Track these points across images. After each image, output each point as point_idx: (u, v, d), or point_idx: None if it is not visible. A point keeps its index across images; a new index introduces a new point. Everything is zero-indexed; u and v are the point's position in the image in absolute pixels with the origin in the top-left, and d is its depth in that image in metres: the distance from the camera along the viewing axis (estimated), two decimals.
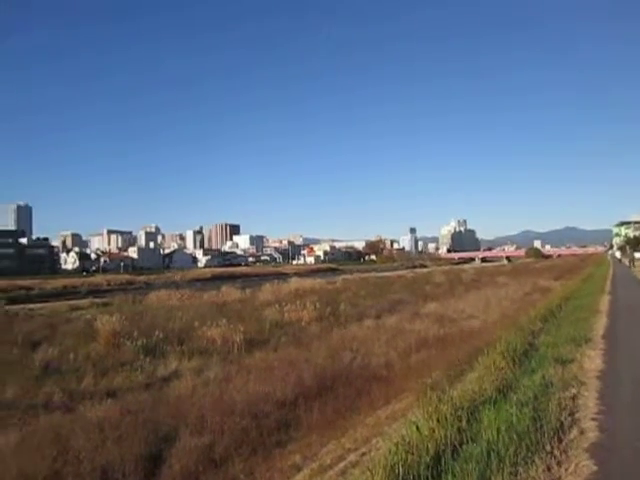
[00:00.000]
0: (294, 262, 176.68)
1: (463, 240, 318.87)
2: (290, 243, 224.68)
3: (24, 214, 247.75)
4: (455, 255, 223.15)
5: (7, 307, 31.13)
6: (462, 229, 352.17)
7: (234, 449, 7.47)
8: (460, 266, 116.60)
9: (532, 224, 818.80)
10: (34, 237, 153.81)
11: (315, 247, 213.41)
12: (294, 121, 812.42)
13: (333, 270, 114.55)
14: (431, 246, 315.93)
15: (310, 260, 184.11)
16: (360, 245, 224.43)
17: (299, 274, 76.52)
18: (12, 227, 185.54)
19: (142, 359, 13.48)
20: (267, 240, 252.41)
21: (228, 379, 11.21)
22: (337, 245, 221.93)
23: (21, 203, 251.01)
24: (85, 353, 14.41)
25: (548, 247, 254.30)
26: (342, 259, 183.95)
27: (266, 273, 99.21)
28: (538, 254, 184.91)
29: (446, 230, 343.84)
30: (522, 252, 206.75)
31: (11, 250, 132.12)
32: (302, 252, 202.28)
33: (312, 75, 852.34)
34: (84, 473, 6.46)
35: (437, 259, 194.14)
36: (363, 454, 6.30)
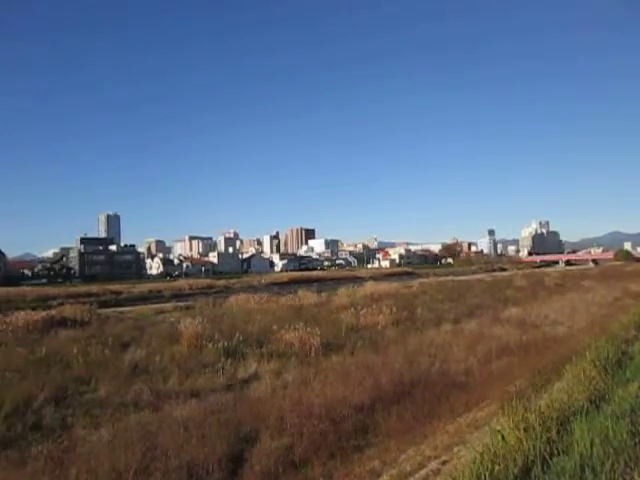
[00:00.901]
0: (369, 266, 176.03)
1: (545, 242, 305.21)
2: (365, 247, 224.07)
3: (114, 223, 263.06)
4: (537, 258, 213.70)
5: (99, 310, 33.00)
6: (544, 231, 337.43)
7: (313, 452, 7.52)
8: (542, 269, 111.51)
9: (621, 225, 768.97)
10: (122, 244, 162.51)
11: (390, 250, 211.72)
12: (370, 124, 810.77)
13: (409, 274, 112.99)
14: (511, 249, 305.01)
15: (385, 264, 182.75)
16: (436, 248, 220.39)
17: (374, 278, 76.15)
18: (103, 235, 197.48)
19: (223, 361, 13.84)
20: (342, 244, 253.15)
21: (306, 382, 11.31)
22: (412, 248, 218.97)
23: (111, 212, 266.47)
24: (170, 354, 15.01)
25: None
26: (418, 262, 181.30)
27: (341, 277, 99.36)
28: (628, 257, 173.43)
29: (527, 232, 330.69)
30: (610, 255, 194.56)
31: (102, 257, 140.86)
32: (377, 256, 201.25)
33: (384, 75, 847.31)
34: (171, 469, 6.71)
35: (517, 262, 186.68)
36: (444, 462, 6.15)
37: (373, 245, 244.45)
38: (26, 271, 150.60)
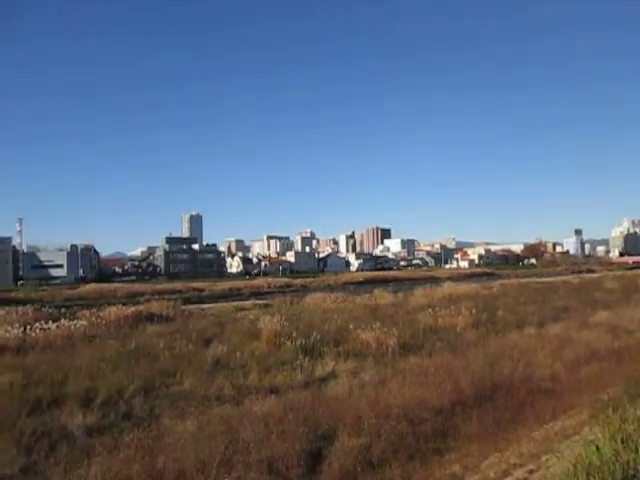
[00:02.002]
0: (447, 266, 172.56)
1: (639, 242, 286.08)
2: (442, 247, 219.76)
3: (196, 222, 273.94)
4: (629, 259, 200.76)
5: (183, 307, 34.40)
6: (637, 230, 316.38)
7: (391, 453, 7.47)
8: (635, 272, 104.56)
9: None
10: (204, 243, 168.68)
11: (469, 251, 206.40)
12: (450, 118, 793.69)
13: (489, 275, 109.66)
14: (600, 249, 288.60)
15: (464, 264, 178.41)
16: (518, 248, 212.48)
17: (452, 278, 74.44)
18: (186, 235, 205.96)
19: (301, 359, 14.03)
20: (418, 244, 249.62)
21: (383, 382, 11.25)
22: (492, 248, 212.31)
23: (193, 213, 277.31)
24: (250, 351, 15.40)
25: None
26: (498, 263, 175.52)
27: (418, 277, 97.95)
28: None
29: (618, 231, 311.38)
30: None
31: (186, 255, 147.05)
32: (455, 256, 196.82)
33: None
34: (252, 463, 6.88)
35: (607, 263, 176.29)
36: (531, 471, 5.91)
37: (451, 245, 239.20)
38: (117, 269, 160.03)
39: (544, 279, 70.47)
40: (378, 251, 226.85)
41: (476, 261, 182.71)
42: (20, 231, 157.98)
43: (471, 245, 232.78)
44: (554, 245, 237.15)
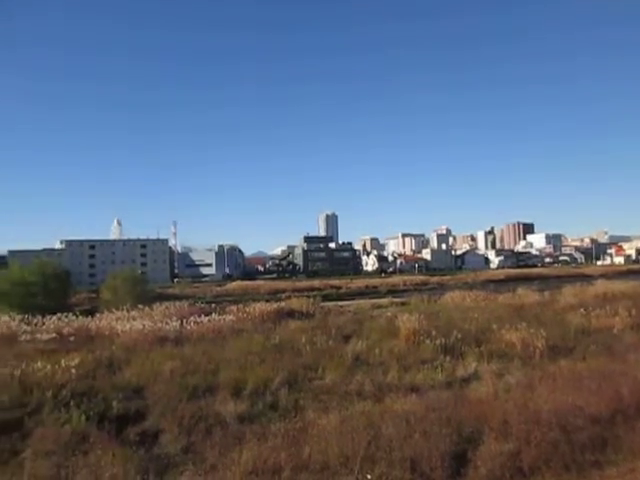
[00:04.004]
0: (598, 262, 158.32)
1: None
2: (593, 241, 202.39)
3: (332, 222, 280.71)
4: None
5: (321, 304, 35.41)
6: None
7: (543, 461, 7.01)
8: None
9: None
10: (340, 242, 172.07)
11: (624, 245, 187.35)
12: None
13: None
14: None
15: (619, 260, 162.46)
16: None
17: (606, 276, 68.11)
18: (323, 233, 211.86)
19: (441, 358, 13.75)
20: (565, 239, 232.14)
21: (531, 386, 10.62)
22: None
23: (329, 212, 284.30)
24: (388, 348, 15.39)
25: None
26: None
27: (565, 275, 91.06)
28: None
29: None
30: None
31: (323, 254, 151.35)
32: (608, 251, 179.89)
33: None
34: (395, 460, 6.86)
35: None
36: None
37: (603, 239, 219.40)
38: (259, 267, 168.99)
39: None
40: (520, 247, 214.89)
41: (633, 257, 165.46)
42: (175, 233, 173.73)
43: (627, 239, 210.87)
44: None
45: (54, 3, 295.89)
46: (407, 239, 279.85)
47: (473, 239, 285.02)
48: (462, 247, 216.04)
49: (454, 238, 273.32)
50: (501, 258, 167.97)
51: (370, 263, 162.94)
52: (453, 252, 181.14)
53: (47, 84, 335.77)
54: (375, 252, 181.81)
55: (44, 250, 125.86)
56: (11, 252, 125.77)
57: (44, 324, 23.80)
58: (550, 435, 7.57)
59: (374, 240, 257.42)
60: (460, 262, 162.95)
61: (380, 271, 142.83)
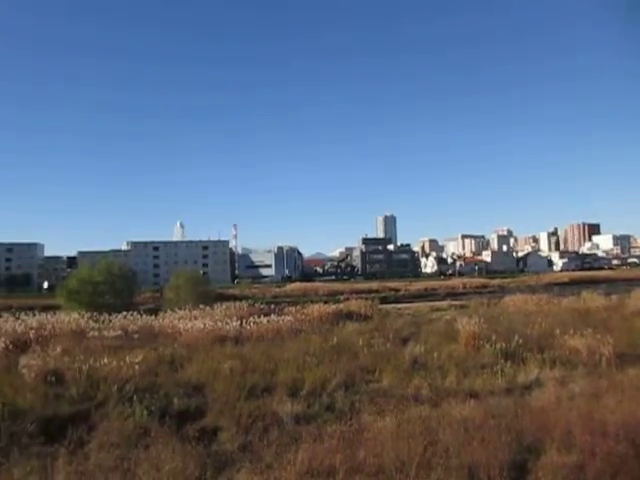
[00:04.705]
0: None
1: None
2: None
3: (390, 223, 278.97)
4: None
5: (380, 306, 35.25)
6: None
7: (609, 476, 6.69)
8: None
9: None
10: (398, 244, 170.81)
11: None
12: None
13: None
14: None
15: None
16: None
17: None
18: (381, 235, 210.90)
19: (502, 363, 13.37)
20: (635, 240, 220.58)
21: (597, 395, 10.15)
22: None
23: (388, 214, 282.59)
24: (447, 352, 15.12)
25: None
26: None
27: (635, 278, 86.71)
28: None
29: None
30: None
31: (381, 256, 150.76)
32: None
33: None
34: (452, 467, 6.73)
35: None
36: None
37: None
38: (318, 268, 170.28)
39: None
40: (585, 249, 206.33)
41: None
42: (235, 235, 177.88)
43: None
44: None
45: None
46: (467, 240, 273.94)
47: (535, 240, 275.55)
48: (524, 249, 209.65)
49: (515, 239, 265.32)
50: (565, 260, 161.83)
51: (429, 265, 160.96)
52: (514, 254, 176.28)
53: (131, 94, 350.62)
54: (434, 254, 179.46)
55: (111, 251, 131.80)
56: (81, 253, 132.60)
57: (111, 322, 24.87)
58: (617, 448, 7.22)
59: (433, 242, 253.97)
60: (522, 264, 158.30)
61: (439, 273, 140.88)
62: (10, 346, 16.90)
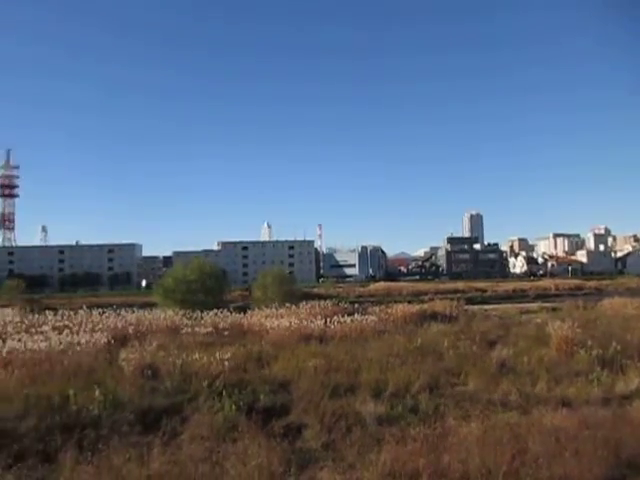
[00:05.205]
0: None
1: None
2: None
3: (476, 222, 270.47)
4: None
5: (465, 307, 34.37)
6: None
7: None
8: None
9: None
10: (485, 243, 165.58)
11: None
12: None
13: None
14: None
15: None
16: None
17: None
18: (467, 234, 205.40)
19: (598, 371, 12.63)
20: None
21: None
22: None
23: (474, 212, 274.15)
24: (538, 357, 14.49)
25: None
26: None
27: None
28: None
29: None
30: None
31: (467, 255, 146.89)
32: None
33: None
34: (541, 479, 6.47)
35: None
36: None
37: None
38: (402, 268, 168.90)
39: None
40: None
41: None
42: (320, 235, 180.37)
43: None
44: None
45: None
46: (559, 239, 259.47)
47: (637, 240, 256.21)
48: (623, 248, 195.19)
49: (614, 238, 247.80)
50: None
51: (518, 265, 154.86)
52: (613, 254, 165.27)
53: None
54: (523, 253, 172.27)
55: (203, 251, 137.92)
56: (175, 253, 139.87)
57: (202, 319, 26.00)
58: None
59: (522, 241, 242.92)
60: (621, 265, 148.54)
61: (529, 274, 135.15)
62: (112, 341, 18.12)
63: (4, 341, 16.42)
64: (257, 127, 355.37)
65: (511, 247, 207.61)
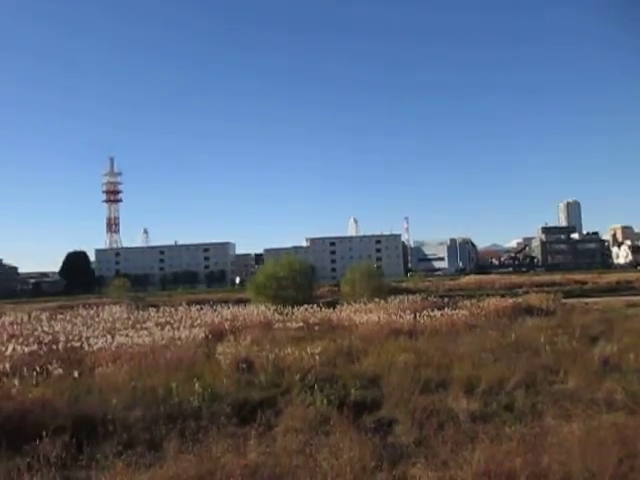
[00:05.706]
0: None
1: None
2: None
3: (573, 210, 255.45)
4: None
5: (563, 300, 32.73)
6: None
7: None
8: None
9: None
10: (584, 232, 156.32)
11: None
12: None
13: None
14: None
15: None
16: None
17: None
18: (563, 224, 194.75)
19: None
20: None
21: None
22: None
23: (570, 200, 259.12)
24: None
25: None
26: None
27: None
28: None
29: None
30: None
31: (564, 246, 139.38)
32: None
33: None
34: None
35: None
36: None
37: None
38: (493, 260, 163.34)
39: None
40: None
41: None
42: (407, 228, 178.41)
43: None
44: None
45: None
46: None
47: None
48: None
49: None
50: None
51: (622, 255, 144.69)
52: None
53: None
54: (628, 242, 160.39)
55: (293, 247, 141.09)
56: (266, 250, 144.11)
57: (293, 314, 26.57)
58: None
59: (627, 229, 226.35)
60: None
61: (635, 264, 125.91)
62: (209, 336, 18.99)
63: (113, 337, 17.62)
64: (352, 128, 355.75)
65: (614, 236, 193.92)
